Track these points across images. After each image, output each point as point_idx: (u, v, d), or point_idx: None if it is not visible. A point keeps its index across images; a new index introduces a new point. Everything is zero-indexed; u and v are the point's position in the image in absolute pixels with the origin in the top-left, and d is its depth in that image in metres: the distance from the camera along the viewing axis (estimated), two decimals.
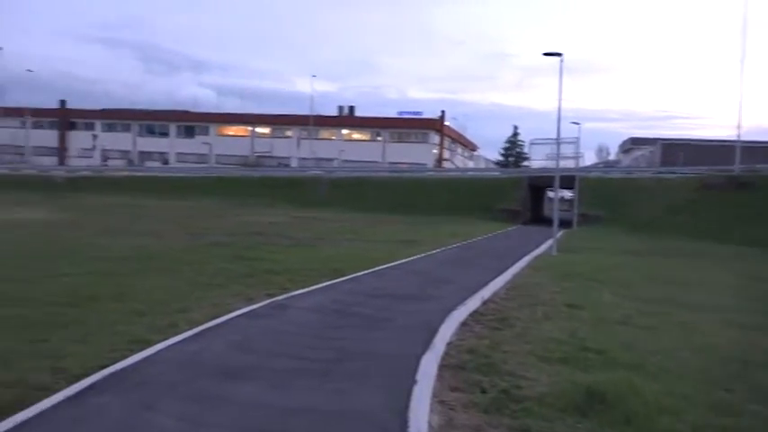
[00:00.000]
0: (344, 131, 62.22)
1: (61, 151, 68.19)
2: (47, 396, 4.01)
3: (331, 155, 56.78)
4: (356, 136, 62.28)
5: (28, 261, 10.23)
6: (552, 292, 9.50)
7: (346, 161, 56.07)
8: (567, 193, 44.95)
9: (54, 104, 69.45)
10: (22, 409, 3.76)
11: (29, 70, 64.50)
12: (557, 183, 20.50)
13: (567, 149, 22.86)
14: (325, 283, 9.19)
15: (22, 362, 4.78)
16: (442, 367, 5.22)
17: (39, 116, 64.67)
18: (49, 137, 67.48)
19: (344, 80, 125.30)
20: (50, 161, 62.25)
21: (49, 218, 18.65)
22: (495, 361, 5.41)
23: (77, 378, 4.42)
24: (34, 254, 11.23)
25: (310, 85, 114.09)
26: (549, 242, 18.67)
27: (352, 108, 65.67)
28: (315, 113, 56.57)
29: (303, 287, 8.72)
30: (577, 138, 29.81)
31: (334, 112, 64.64)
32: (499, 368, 5.21)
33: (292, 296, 8.04)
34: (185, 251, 12.64)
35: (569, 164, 26.79)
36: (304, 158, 56.81)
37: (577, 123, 48.65)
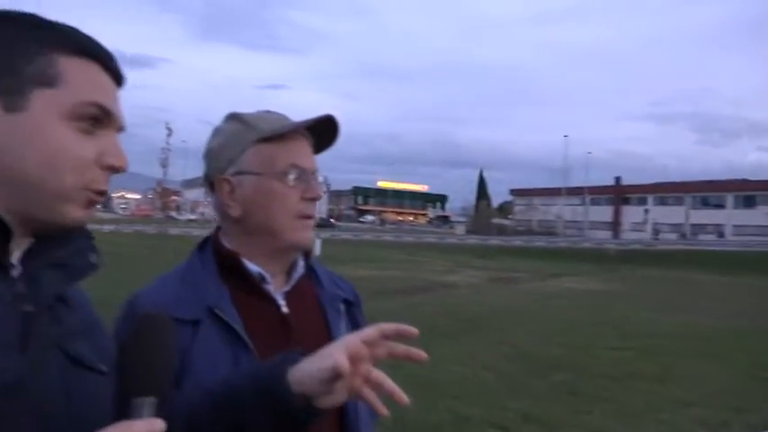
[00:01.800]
0: None
1: (615, 225, 72.10)
2: None
3: None
4: None
5: (578, 329, 10.93)
6: None
7: None
8: None
9: (609, 181, 74.58)
10: None
11: (588, 152, 71.46)
12: None
13: None
14: None
15: (567, 430, 5.03)
16: None
17: (596, 193, 70.47)
18: (604, 212, 72.49)
19: None
20: (604, 235, 66.42)
21: (598, 288, 19.70)
22: None
23: None
24: (583, 323, 11.94)
25: None
26: None
27: None
28: None
29: None
30: None
31: None
32: None
33: None
34: (739, 335, 11.26)
35: None
36: None
37: None
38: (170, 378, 0.75)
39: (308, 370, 0.85)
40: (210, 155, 1.24)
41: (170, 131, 71.66)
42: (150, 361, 0.72)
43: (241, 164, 1.19)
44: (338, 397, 0.86)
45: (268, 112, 1.26)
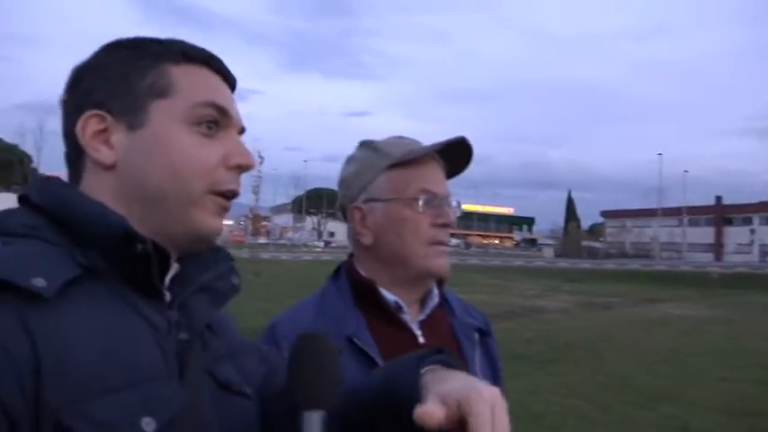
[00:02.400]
0: None
1: (717, 247, 67.84)
2: None
3: None
4: None
5: (682, 358, 10.26)
6: None
7: None
8: None
9: (709, 201, 70.48)
10: None
11: (685, 171, 67.90)
12: None
13: None
14: None
15: None
16: None
17: (694, 213, 66.75)
18: (704, 233, 68.47)
19: None
20: (705, 257, 62.55)
21: (700, 314, 18.51)
22: None
23: None
24: (687, 351, 11.21)
25: None
26: None
27: None
28: None
29: None
30: None
31: None
32: None
33: None
34: None
35: None
36: None
37: None
38: (337, 392, 0.74)
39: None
40: (344, 183, 1.23)
41: (262, 159, 74.57)
42: (319, 376, 0.73)
43: (372, 191, 1.17)
44: None
45: (400, 137, 1.24)
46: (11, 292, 0.61)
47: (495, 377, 1.26)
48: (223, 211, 0.78)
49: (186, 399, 0.69)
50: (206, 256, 0.82)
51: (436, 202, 1.16)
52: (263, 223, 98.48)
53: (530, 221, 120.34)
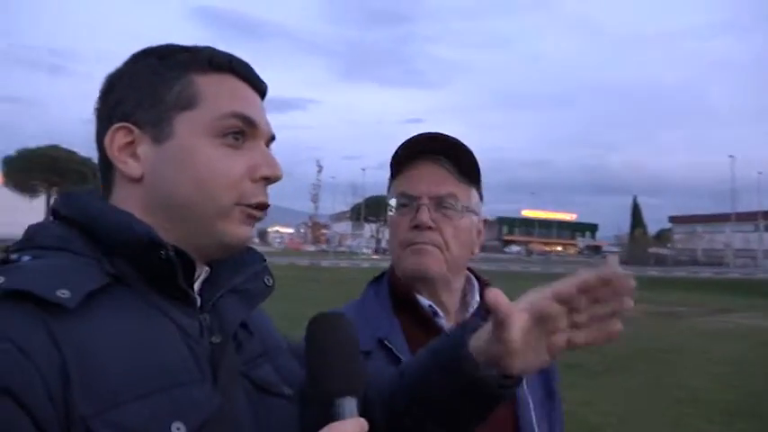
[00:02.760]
0: None
1: None
2: None
3: None
4: None
5: (757, 372, 9.74)
6: None
7: None
8: None
9: None
10: None
11: (759, 173, 64.61)
12: None
13: None
14: None
15: None
16: None
17: None
18: None
19: None
20: None
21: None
22: None
23: None
24: (764, 364, 10.63)
25: None
26: None
27: None
28: None
29: None
30: None
31: None
32: None
33: None
34: None
35: None
36: None
37: None
38: (365, 378, 0.74)
39: (485, 330, 0.76)
40: None
41: (320, 168, 75.96)
42: (348, 362, 0.72)
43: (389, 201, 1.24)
44: (533, 358, 0.75)
45: None
46: (36, 304, 0.62)
47: (547, 389, 1.22)
48: (252, 220, 0.78)
49: (219, 402, 0.69)
50: (237, 259, 0.82)
51: (414, 203, 1.15)
52: (323, 231, 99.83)
53: (593, 228, 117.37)
